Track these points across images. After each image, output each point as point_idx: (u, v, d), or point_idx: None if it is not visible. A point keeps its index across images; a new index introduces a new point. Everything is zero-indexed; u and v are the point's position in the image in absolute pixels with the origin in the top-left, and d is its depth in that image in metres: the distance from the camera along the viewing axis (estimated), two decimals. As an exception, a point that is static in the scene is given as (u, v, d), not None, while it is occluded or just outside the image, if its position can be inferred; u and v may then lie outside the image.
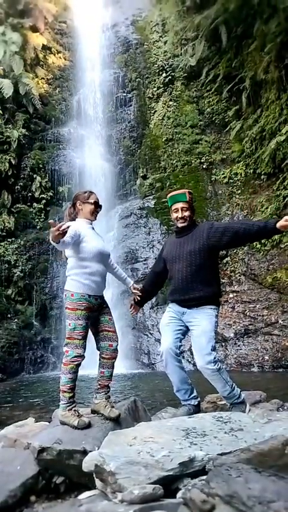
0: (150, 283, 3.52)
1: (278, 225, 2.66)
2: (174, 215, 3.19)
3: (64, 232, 2.42)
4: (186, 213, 3.14)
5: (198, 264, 3.00)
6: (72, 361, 2.58)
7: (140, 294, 3.34)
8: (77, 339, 2.60)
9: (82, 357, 2.63)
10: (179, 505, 1.53)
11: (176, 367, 2.98)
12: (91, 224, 2.93)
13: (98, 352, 2.79)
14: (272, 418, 2.59)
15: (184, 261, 3.04)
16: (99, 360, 2.77)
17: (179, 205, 3.16)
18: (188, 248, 3.06)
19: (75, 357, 2.59)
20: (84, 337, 2.65)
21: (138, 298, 3.37)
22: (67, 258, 2.81)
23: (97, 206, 2.93)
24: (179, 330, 3.05)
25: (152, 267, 3.66)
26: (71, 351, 2.59)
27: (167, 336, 3.03)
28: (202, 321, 2.92)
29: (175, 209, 3.18)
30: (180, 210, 3.15)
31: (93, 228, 2.93)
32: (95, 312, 2.74)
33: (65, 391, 2.57)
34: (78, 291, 2.66)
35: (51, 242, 2.50)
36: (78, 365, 2.62)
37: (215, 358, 2.84)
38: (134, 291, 3.31)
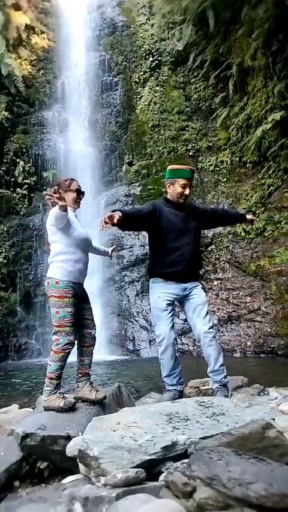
0: (136, 218, 3.11)
1: (248, 216, 3.20)
2: (179, 189, 3.15)
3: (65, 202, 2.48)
4: (188, 191, 3.19)
5: (199, 242, 3.33)
6: (64, 349, 2.58)
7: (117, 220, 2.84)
8: (67, 326, 2.59)
9: (73, 343, 2.63)
10: (161, 487, 1.57)
11: (174, 352, 3.05)
12: (74, 212, 2.90)
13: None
14: (253, 403, 2.66)
15: (192, 236, 3.18)
16: (78, 348, 2.78)
17: (188, 182, 3.18)
18: (193, 224, 3.22)
19: (67, 344, 2.58)
20: (74, 324, 2.65)
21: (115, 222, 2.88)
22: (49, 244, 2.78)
23: (79, 193, 2.89)
24: (173, 314, 3.13)
25: (140, 209, 3.32)
26: (62, 339, 2.58)
27: (166, 322, 3.05)
28: (200, 292, 3.17)
29: (183, 184, 3.15)
30: (187, 187, 3.15)
31: (76, 217, 2.91)
32: (78, 299, 2.73)
33: (53, 378, 2.58)
34: (64, 278, 2.63)
35: (57, 214, 2.52)
36: (69, 353, 2.62)
37: (213, 324, 3.09)
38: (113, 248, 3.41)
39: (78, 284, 2.73)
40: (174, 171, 3.24)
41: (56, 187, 2.80)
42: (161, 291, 3.12)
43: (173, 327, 3.07)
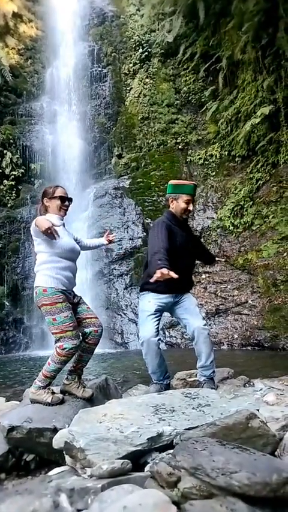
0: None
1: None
2: (183, 205, 3.14)
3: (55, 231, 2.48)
4: (192, 207, 3.21)
5: (194, 258, 3.39)
6: (68, 354, 2.54)
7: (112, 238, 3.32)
8: (69, 331, 2.54)
9: (78, 347, 2.59)
10: (147, 478, 1.58)
11: (156, 353, 3.02)
12: (62, 220, 2.83)
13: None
14: (239, 394, 2.70)
15: (189, 255, 3.24)
16: (83, 343, 2.72)
17: (191, 197, 3.18)
18: (191, 243, 3.27)
19: (72, 348, 2.54)
20: (76, 327, 2.59)
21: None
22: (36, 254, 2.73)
23: (64, 200, 2.81)
24: (159, 320, 3.13)
25: (166, 245, 2.92)
26: (66, 344, 2.52)
27: (151, 326, 3.03)
28: (191, 296, 3.26)
29: (187, 200, 3.14)
30: (191, 203, 3.15)
31: (64, 225, 2.84)
32: (72, 303, 2.70)
33: (48, 377, 2.57)
34: (51, 285, 2.58)
35: (35, 229, 2.55)
36: (71, 358, 2.60)
37: (206, 322, 3.16)
38: (109, 238, 3.31)
39: (68, 291, 2.67)
40: (176, 186, 3.20)
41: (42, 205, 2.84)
42: (152, 297, 3.12)
43: (157, 330, 3.04)
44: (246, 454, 1.41)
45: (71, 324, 2.54)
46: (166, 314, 3.39)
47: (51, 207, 2.79)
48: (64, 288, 2.63)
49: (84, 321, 2.73)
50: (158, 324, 3.09)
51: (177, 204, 3.17)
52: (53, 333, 2.57)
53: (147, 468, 1.70)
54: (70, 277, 2.71)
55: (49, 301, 2.55)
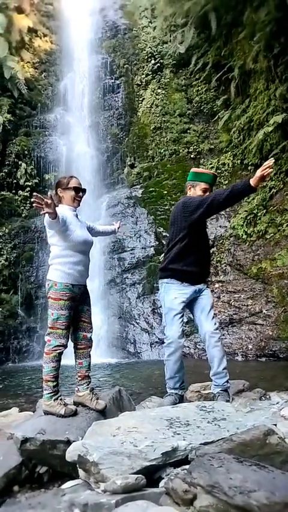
0: None
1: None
2: (199, 193, 3.18)
3: (53, 204, 2.38)
4: None
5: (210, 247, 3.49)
6: (54, 350, 2.57)
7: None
8: (60, 329, 2.59)
9: (65, 346, 2.62)
10: (161, 494, 1.55)
11: (179, 356, 3.05)
12: (75, 211, 2.85)
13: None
14: (255, 407, 2.64)
15: (207, 243, 3.34)
16: (75, 351, 2.77)
17: (209, 187, 3.21)
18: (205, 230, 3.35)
19: (57, 346, 2.57)
20: (68, 327, 2.64)
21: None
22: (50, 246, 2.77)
23: (78, 191, 2.82)
24: (184, 316, 3.14)
25: None
26: (53, 340, 2.58)
27: (178, 326, 3.05)
28: (209, 293, 3.23)
29: (204, 188, 3.18)
30: (208, 192, 3.18)
31: (77, 216, 2.86)
32: (77, 301, 2.72)
33: (49, 380, 2.56)
34: (62, 280, 2.62)
35: (47, 220, 2.49)
36: (61, 353, 2.61)
37: (218, 326, 3.13)
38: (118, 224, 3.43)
39: (78, 286, 2.70)
40: (196, 174, 3.25)
41: (50, 193, 2.78)
42: (178, 292, 3.10)
43: (183, 330, 3.08)
44: (265, 471, 1.36)
45: (64, 323, 2.59)
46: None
47: (65, 197, 2.81)
48: (76, 283, 2.67)
49: (78, 323, 2.75)
50: (183, 322, 3.11)
51: (194, 191, 3.21)
52: (48, 326, 2.64)
53: (161, 484, 1.66)
54: (82, 271, 2.74)
55: (55, 295, 2.60)
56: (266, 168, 2.69)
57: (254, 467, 1.39)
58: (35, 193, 2.35)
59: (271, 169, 2.70)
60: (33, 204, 2.34)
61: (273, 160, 2.76)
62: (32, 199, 2.37)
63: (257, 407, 2.65)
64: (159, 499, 1.52)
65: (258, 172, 2.72)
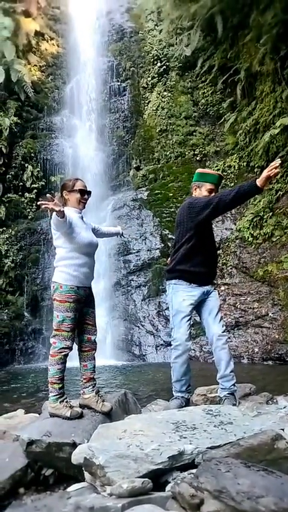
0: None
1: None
2: (205, 193, 3.16)
3: (62, 208, 2.42)
4: None
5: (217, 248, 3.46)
6: (60, 352, 2.57)
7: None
8: (65, 331, 2.59)
9: (70, 348, 2.62)
10: (168, 498, 1.54)
11: (186, 359, 3.05)
12: (80, 213, 2.85)
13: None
14: (262, 411, 2.61)
15: (214, 244, 3.34)
16: (79, 353, 2.76)
17: (215, 187, 3.19)
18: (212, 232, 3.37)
19: (63, 348, 2.57)
20: (73, 330, 2.64)
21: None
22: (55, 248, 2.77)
23: (84, 193, 2.82)
24: (191, 319, 3.12)
25: None
26: (59, 343, 2.58)
27: (186, 328, 3.05)
28: (217, 295, 3.22)
29: (210, 189, 3.16)
30: (213, 192, 3.17)
31: (82, 218, 2.86)
32: (82, 303, 2.72)
33: (54, 383, 2.56)
34: (68, 283, 2.62)
35: (55, 220, 2.50)
36: (66, 355, 2.60)
37: (225, 329, 3.11)
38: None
39: (84, 288, 2.70)
40: (202, 174, 3.24)
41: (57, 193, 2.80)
42: (186, 294, 3.09)
43: (190, 333, 3.07)
44: (273, 477, 1.35)
45: (69, 325, 2.59)
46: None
47: (71, 200, 2.82)
48: (81, 285, 2.67)
49: (82, 326, 2.75)
50: (191, 326, 3.11)
51: (200, 192, 3.19)
52: (53, 328, 2.63)
53: (168, 488, 1.65)
54: (87, 273, 2.74)
55: (61, 298, 2.60)
56: (272, 169, 2.67)
57: (262, 472, 1.37)
58: (40, 201, 2.40)
59: (277, 170, 2.67)
60: (42, 205, 2.37)
61: (280, 161, 2.73)
62: (39, 203, 2.41)
63: (264, 412, 2.63)
64: (165, 503, 1.50)
65: (265, 173, 2.69)
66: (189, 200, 3.17)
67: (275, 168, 2.67)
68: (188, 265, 3.08)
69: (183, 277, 3.10)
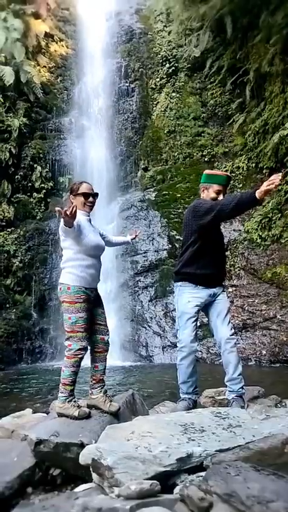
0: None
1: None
2: (213, 195, 3.12)
3: (74, 216, 2.41)
4: (222, 198, 3.15)
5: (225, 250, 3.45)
6: (76, 355, 2.56)
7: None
8: (80, 332, 2.58)
9: (86, 349, 2.62)
10: (176, 501, 1.53)
11: (192, 360, 3.03)
12: (88, 216, 2.86)
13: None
14: (270, 415, 2.59)
15: (223, 246, 3.36)
16: (92, 354, 2.76)
17: (223, 188, 3.15)
18: (221, 234, 3.36)
19: (79, 349, 2.56)
20: (87, 330, 2.63)
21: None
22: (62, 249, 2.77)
23: (88, 197, 2.82)
24: (197, 320, 3.10)
25: None
26: (75, 344, 2.56)
27: (191, 329, 3.04)
28: (225, 297, 3.20)
29: (218, 190, 3.13)
30: (221, 194, 3.14)
31: (90, 221, 2.86)
32: (91, 304, 2.72)
33: (67, 384, 2.56)
34: (75, 283, 2.62)
35: (62, 228, 2.54)
36: (82, 358, 2.60)
37: (234, 332, 3.09)
38: (133, 235, 3.43)
39: (91, 289, 2.71)
40: (210, 175, 3.21)
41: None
42: (191, 296, 3.08)
43: (196, 334, 3.05)
44: (283, 481, 1.33)
45: (83, 326, 2.58)
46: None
47: (77, 203, 2.81)
48: (88, 286, 2.67)
49: (93, 326, 2.74)
50: (197, 325, 3.09)
51: (208, 194, 3.16)
52: (65, 331, 2.62)
53: (176, 490, 1.64)
54: (94, 275, 2.74)
55: (70, 299, 2.59)
56: (272, 183, 2.64)
57: (272, 476, 1.35)
58: (57, 208, 2.42)
59: (278, 183, 2.63)
60: (56, 211, 2.42)
61: (280, 176, 2.69)
62: (56, 208, 2.44)
63: (273, 415, 2.60)
64: (173, 506, 1.49)
65: (264, 186, 2.65)
66: (195, 203, 3.16)
67: (273, 183, 2.64)
68: (194, 267, 3.07)
69: (189, 279, 3.09)
